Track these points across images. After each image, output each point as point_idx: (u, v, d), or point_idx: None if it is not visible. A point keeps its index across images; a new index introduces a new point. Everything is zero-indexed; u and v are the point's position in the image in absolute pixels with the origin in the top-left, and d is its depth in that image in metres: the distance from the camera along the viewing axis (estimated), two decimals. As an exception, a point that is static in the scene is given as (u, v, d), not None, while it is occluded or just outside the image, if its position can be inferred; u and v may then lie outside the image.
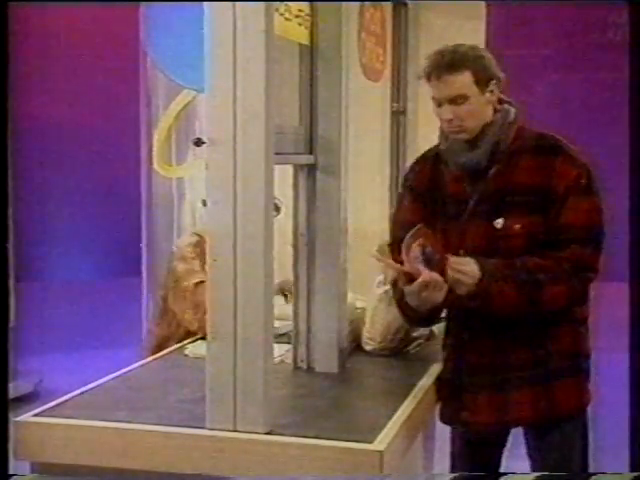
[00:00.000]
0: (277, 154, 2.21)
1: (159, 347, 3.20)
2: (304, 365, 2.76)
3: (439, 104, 2.48)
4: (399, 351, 2.96)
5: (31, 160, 6.63)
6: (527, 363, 2.49)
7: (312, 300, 2.74)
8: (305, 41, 2.65)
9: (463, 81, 2.44)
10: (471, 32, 3.59)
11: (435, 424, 3.12)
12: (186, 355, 2.96)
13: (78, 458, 2.21)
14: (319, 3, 2.66)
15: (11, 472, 2.22)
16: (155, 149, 3.36)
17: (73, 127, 6.84)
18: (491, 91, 2.49)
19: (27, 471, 2.25)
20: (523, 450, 2.69)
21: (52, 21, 6.73)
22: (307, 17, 2.63)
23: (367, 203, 3.46)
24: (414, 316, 2.56)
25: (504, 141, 2.50)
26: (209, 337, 2.19)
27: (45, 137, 6.80)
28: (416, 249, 2.36)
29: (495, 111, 2.52)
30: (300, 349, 2.77)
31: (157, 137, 3.37)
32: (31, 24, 6.39)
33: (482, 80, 2.46)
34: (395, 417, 2.28)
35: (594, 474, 2.28)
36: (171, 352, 3.04)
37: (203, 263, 3.00)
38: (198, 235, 3.24)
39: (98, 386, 2.57)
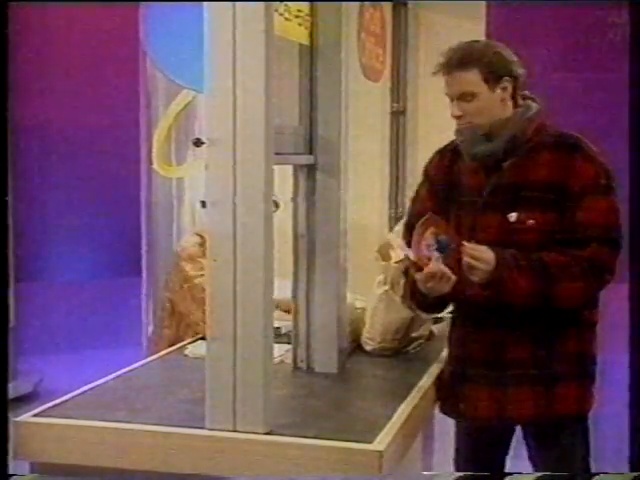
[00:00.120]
0: (277, 154, 2.21)
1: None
2: (304, 365, 2.76)
3: (451, 99, 2.49)
4: (399, 351, 2.96)
5: (31, 160, 6.62)
6: (528, 362, 2.48)
7: (312, 300, 2.74)
8: (305, 41, 2.65)
9: (470, 79, 2.44)
10: (471, 32, 3.57)
11: (435, 424, 3.13)
12: (186, 355, 2.96)
13: (78, 458, 2.21)
14: (319, 3, 2.66)
15: (11, 472, 2.22)
16: (155, 149, 3.35)
17: (73, 127, 6.82)
18: (504, 88, 2.47)
19: (27, 471, 2.26)
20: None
21: (52, 21, 6.72)
22: (307, 17, 2.63)
23: (367, 203, 3.46)
24: (423, 301, 2.58)
25: (521, 135, 2.48)
26: (209, 337, 2.19)
27: (45, 137, 6.79)
28: (429, 237, 2.36)
29: (516, 106, 2.51)
30: (300, 349, 2.77)
31: (157, 137, 3.35)
32: (31, 24, 6.39)
33: (492, 77, 2.45)
34: (395, 417, 2.28)
35: (597, 474, 2.28)
36: (171, 352, 3.04)
37: (209, 262, 2.99)
38: (199, 235, 3.24)
39: (98, 386, 2.57)
